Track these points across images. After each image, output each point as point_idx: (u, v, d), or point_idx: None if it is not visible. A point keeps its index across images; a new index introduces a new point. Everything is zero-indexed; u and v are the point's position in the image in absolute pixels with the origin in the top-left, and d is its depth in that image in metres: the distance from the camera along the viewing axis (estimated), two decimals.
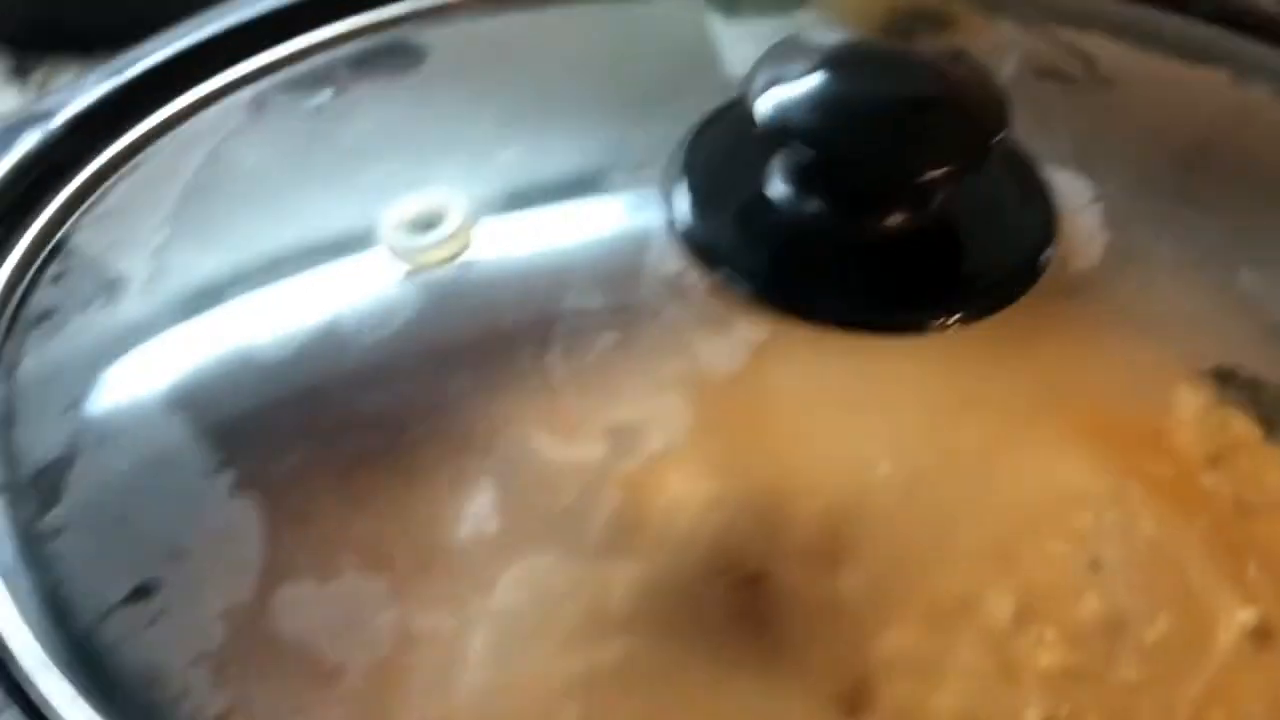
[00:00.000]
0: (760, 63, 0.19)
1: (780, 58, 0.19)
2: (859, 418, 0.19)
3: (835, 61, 0.18)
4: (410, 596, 0.17)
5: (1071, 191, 0.20)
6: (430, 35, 0.26)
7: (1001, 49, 0.25)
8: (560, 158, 0.22)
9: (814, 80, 0.18)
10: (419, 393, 0.18)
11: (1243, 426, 0.21)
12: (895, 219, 0.19)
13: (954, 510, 0.19)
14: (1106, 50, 0.26)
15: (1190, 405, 0.21)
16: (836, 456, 0.19)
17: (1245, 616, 0.20)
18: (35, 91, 0.54)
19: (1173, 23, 0.25)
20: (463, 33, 0.26)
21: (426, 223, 0.20)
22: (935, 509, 0.19)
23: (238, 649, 0.16)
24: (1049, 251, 0.20)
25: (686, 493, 0.18)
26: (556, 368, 0.18)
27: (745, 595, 0.18)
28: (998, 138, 0.18)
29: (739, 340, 0.18)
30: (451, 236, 0.20)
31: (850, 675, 0.18)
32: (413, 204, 0.20)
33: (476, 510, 0.17)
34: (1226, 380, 0.20)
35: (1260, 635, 0.19)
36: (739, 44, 0.25)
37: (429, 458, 0.18)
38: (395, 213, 0.20)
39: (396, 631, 0.16)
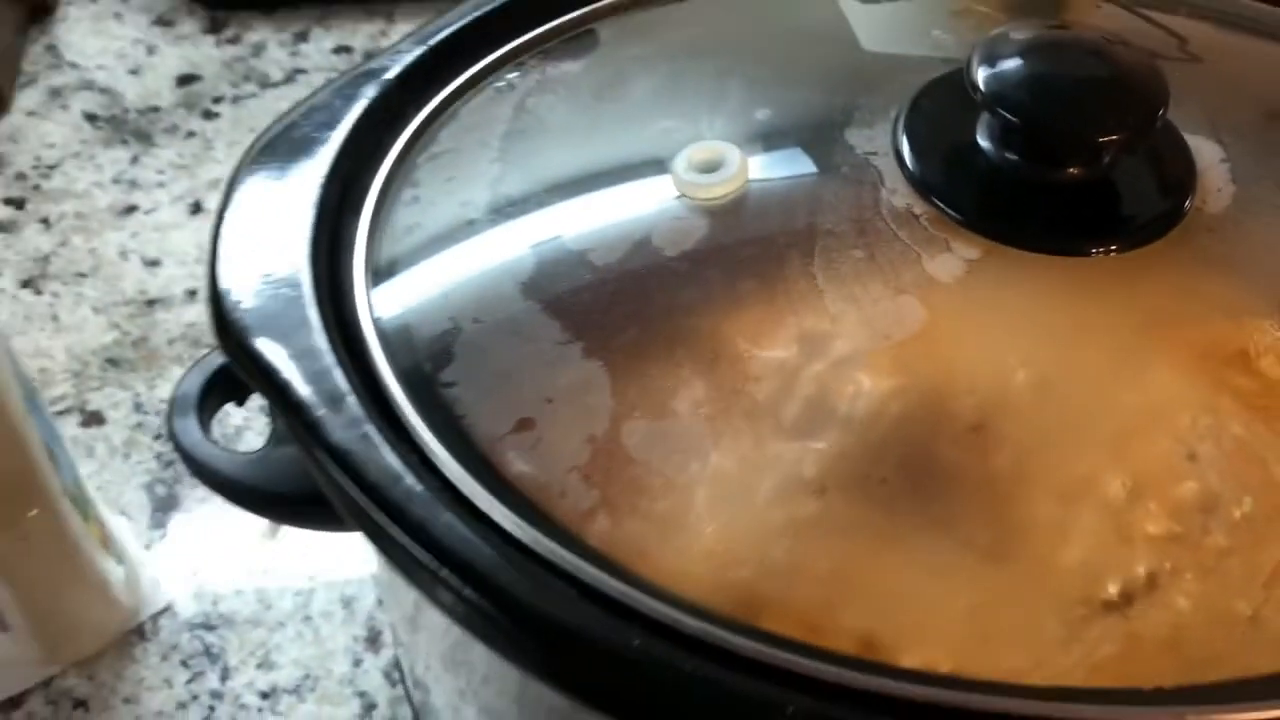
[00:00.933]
0: (978, 47, 0.24)
1: (993, 44, 0.24)
2: (1025, 328, 0.25)
3: (1035, 48, 0.24)
4: (717, 433, 0.23)
5: (1207, 154, 0.26)
6: (665, 15, 0.32)
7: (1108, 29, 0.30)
8: (802, 117, 0.28)
9: (1018, 62, 0.24)
10: (715, 291, 0.24)
11: None
12: (1075, 171, 0.25)
13: (1081, 409, 0.24)
14: (1193, 30, 0.31)
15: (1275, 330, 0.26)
16: (996, 359, 0.24)
17: None
18: (229, 44, 0.61)
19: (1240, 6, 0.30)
20: (691, 12, 0.32)
21: (711, 166, 0.26)
22: (1066, 407, 0.24)
23: (598, 463, 0.23)
24: (1189, 199, 0.25)
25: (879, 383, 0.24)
26: (819, 274, 0.24)
27: (914, 468, 0.23)
28: (1162, 110, 0.24)
29: (957, 256, 0.24)
30: (732, 177, 0.26)
31: (996, 533, 0.23)
32: (700, 151, 0.26)
33: (769, 367, 0.23)
34: None
35: None
36: (873, 24, 0.30)
37: (722, 338, 0.24)
38: (685, 157, 0.26)
39: (697, 460, 0.23)
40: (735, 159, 0.26)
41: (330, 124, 0.29)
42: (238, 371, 0.25)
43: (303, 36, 0.62)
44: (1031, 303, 0.25)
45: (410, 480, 0.22)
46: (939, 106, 0.26)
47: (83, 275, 0.51)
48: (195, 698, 0.38)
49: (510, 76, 0.30)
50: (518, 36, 0.31)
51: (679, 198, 0.26)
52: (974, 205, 0.24)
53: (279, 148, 0.28)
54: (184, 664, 0.39)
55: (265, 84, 0.59)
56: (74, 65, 0.60)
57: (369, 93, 0.29)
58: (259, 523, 0.42)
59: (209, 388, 0.30)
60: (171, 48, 0.61)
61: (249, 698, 0.38)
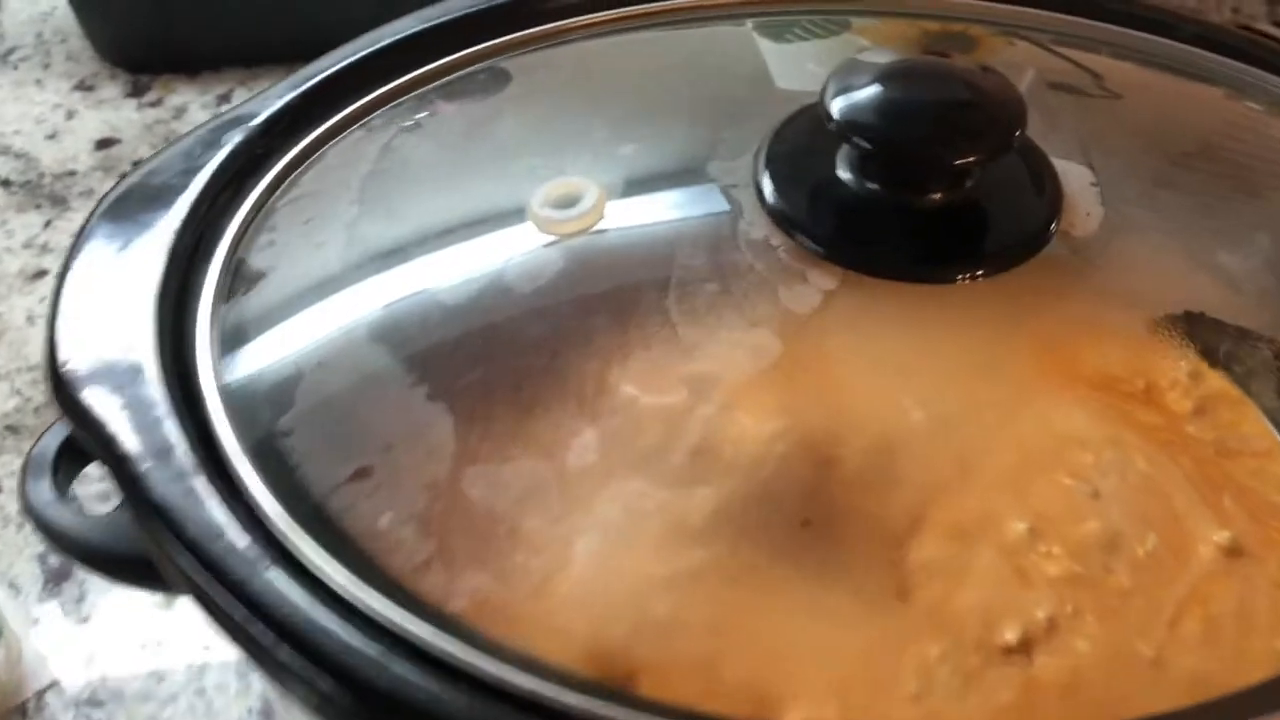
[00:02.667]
0: (832, 75, 0.24)
1: (847, 72, 0.24)
2: (894, 359, 0.24)
3: (889, 74, 0.23)
4: (565, 478, 0.22)
5: (1076, 177, 0.25)
6: (541, 57, 0.31)
7: (1018, 66, 0.30)
8: (667, 152, 0.27)
9: (872, 88, 0.23)
10: (565, 328, 0.23)
11: (1221, 383, 0.25)
12: (935, 196, 0.24)
13: (977, 447, 0.23)
14: (1108, 67, 0.31)
15: (1175, 361, 0.25)
16: (873, 392, 0.23)
17: (1220, 537, 0.24)
18: (150, 107, 0.60)
19: (1158, 45, 0.30)
20: (568, 55, 0.32)
21: (568, 201, 0.25)
22: (962, 446, 0.23)
23: (436, 512, 0.22)
24: (1055, 223, 0.24)
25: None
26: (672, 308, 0.23)
27: (803, 514, 0.22)
28: (1017, 132, 0.23)
29: (813, 287, 0.23)
30: (588, 212, 0.25)
31: (888, 578, 0.22)
32: (557, 187, 0.25)
33: (615, 409, 0.22)
34: (1198, 330, 0.25)
35: (1232, 553, 0.23)
36: (786, 63, 0.30)
37: (573, 375, 0.23)
38: (542, 193, 0.25)
39: (549, 506, 0.21)
40: (592, 194, 0.25)
41: (190, 171, 0.28)
42: (73, 428, 0.24)
43: (226, 98, 0.61)
44: (898, 331, 0.24)
45: (232, 536, 0.21)
46: (802, 137, 0.25)
47: None
48: None
49: (381, 118, 0.29)
50: (398, 78, 0.31)
51: (535, 235, 0.25)
52: (831, 235, 0.24)
53: (134, 197, 0.28)
54: None
55: None
56: None
57: (234, 138, 0.29)
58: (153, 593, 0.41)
59: (65, 449, 0.29)
60: (92, 111, 0.61)
61: None
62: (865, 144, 0.23)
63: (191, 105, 0.61)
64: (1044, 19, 0.31)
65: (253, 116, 0.29)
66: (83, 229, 0.27)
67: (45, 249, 0.53)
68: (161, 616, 0.40)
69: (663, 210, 0.25)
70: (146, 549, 0.24)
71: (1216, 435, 0.24)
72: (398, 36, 0.31)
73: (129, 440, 0.22)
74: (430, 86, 0.31)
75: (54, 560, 0.42)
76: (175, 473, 0.22)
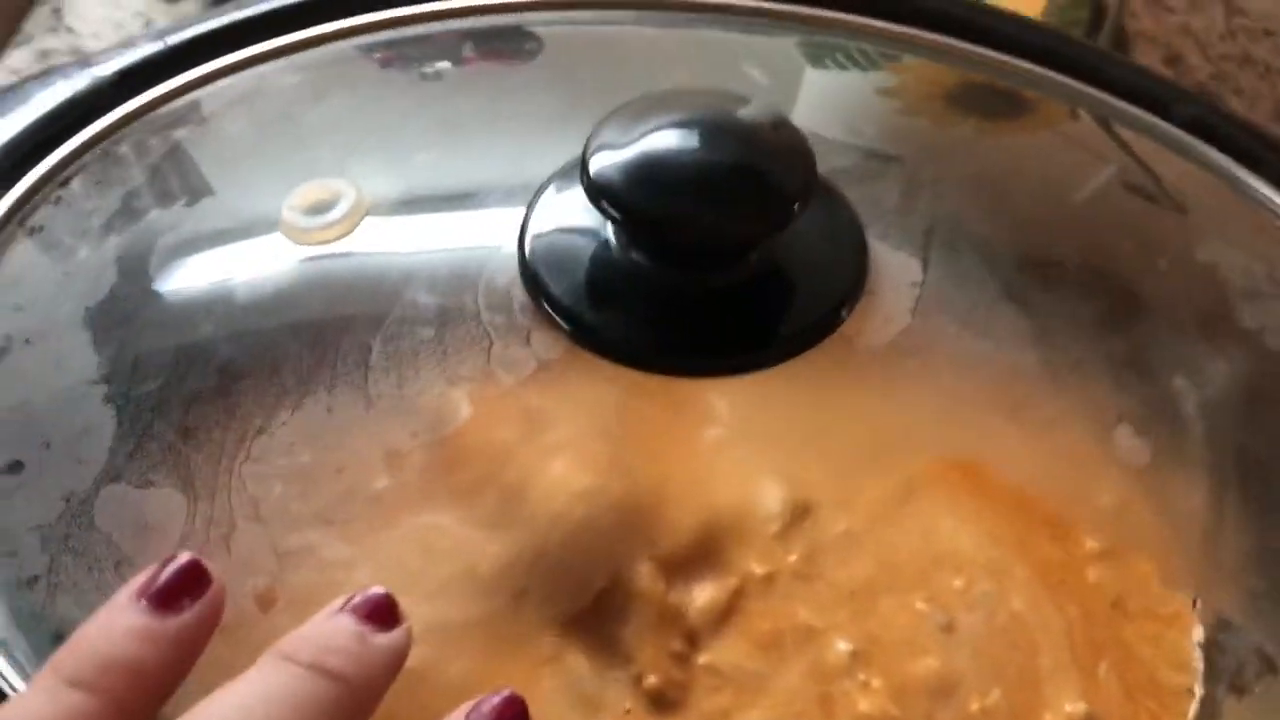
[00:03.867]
0: (599, 125, 0.20)
1: (618, 121, 0.20)
2: (596, 440, 0.20)
3: (660, 128, 0.20)
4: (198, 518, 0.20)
5: (898, 271, 0.21)
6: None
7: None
8: (463, 169, 0.24)
9: (638, 147, 0.20)
10: (263, 351, 0.21)
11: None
12: (705, 273, 0.21)
13: (832, 544, 0.20)
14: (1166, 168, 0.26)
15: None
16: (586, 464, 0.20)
17: (1074, 709, 0.21)
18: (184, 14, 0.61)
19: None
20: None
21: (321, 207, 0.23)
22: (814, 540, 0.20)
23: (63, 527, 0.20)
24: (849, 307, 0.21)
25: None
26: (375, 346, 0.21)
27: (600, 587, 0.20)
28: (798, 205, 0.19)
29: (531, 353, 0.20)
30: (340, 221, 0.23)
31: (673, 675, 0.20)
32: (313, 190, 0.23)
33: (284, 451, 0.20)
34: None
35: None
36: (818, 90, 0.27)
37: (252, 404, 0.21)
38: (297, 194, 0.23)
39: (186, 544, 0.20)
40: (348, 202, 0.23)
41: None
42: None
43: None
44: (607, 415, 0.21)
45: None
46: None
47: None
48: None
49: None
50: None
51: (280, 240, 0.23)
52: (571, 300, 0.21)
53: None
54: None
55: None
56: (70, 30, 0.61)
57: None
58: None
59: None
60: (168, 6, 0.62)
61: None
62: (614, 213, 0.20)
63: None
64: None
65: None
66: None
67: None
68: None
69: (422, 235, 0.23)
70: None
71: (1120, 589, 0.21)
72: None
73: None
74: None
75: None
76: None
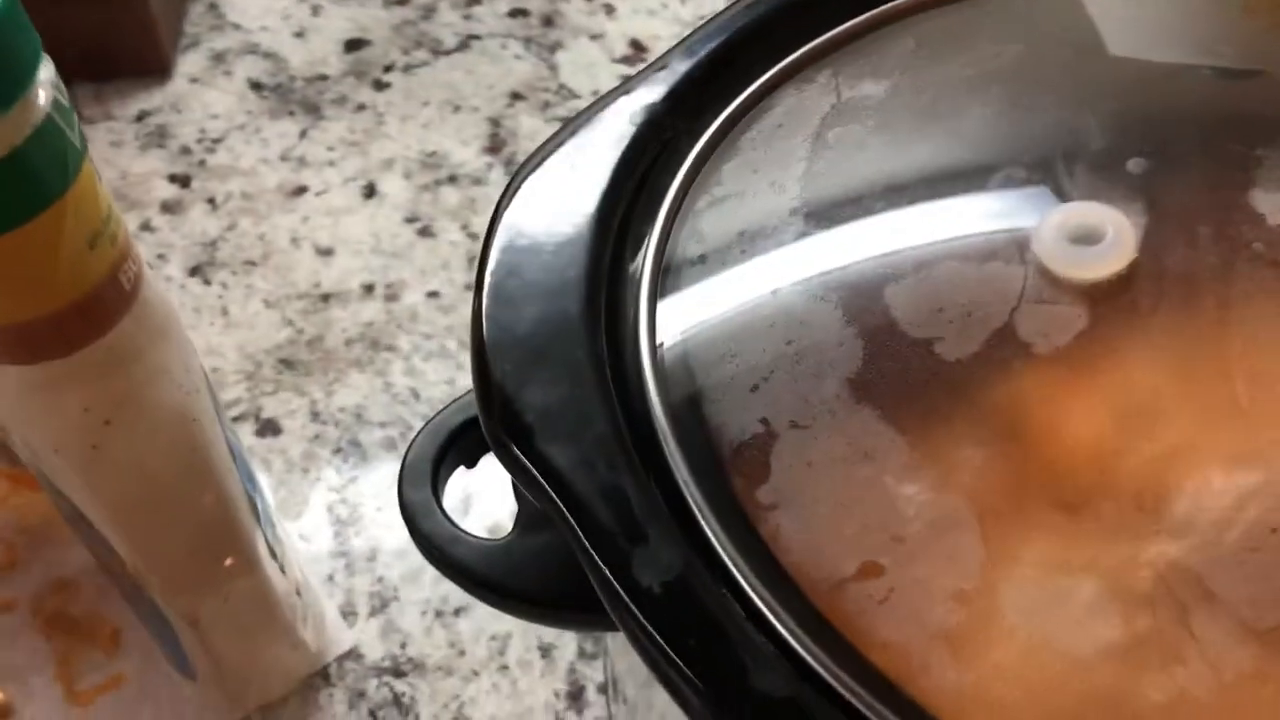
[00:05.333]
0: None
1: None
2: None
3: None
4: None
5: None
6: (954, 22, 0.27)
7: None
8: (1190, 174, 0.22)
9: None
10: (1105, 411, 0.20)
11: None
12: None
13: None
14: None
15: None
16: None
17: None
18: (397, 5, 0.57)
19: None
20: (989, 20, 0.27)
21: (1088, 236, 0.21)
22: None
23: (967, 628, 0.18)
24: None
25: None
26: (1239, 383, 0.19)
27: None
28: None
29: None
30: (1114, 253, 0.21)
31: None
32: (1074, 214, 0.21)
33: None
34: None
35: None
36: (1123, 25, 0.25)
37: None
38: (1056, 220, 0.21)
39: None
40: (1117, 228, 0.21)
41: (599, 160, 0.24)
42: (508, 467, 0.21)
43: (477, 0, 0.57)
44: None
45: (752, 657, 0.18)
46: None
47: (252, 263, 0.47)
48: None
49: (796, 94, 0.25)
50: (798, 45, 0.26)
51: (1042, 272, 0.21)
52: None
53: (546, 175, 0.24)
54: (372, 714, 0.36)
55: (437, 51, 0.55)
56: (236, 27, 0.57)
57: (638, 118, 0.25)
58: None
59: (442, 454, 0.26)
60: (338, 8, 0.57)
61: None
62: None
63: (441, 4, 0.57)
64: None
65: (653, 89, 0.25)
66: (496, 214, 0.24)
67: (303, 163, 0.51)
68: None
69: (1199, 253, 0.21)
70: (568, 591, 0.22)
71: None
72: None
73: (601, 514, 0.19)
74: (834, 57, 0.26)
75: (342, 509, 0.40)
76: (661, 565, 0.19)
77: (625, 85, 0.26)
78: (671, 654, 0.18)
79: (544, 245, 0.23)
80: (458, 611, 0.38)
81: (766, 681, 0.18)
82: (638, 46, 0.55)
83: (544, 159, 0.25)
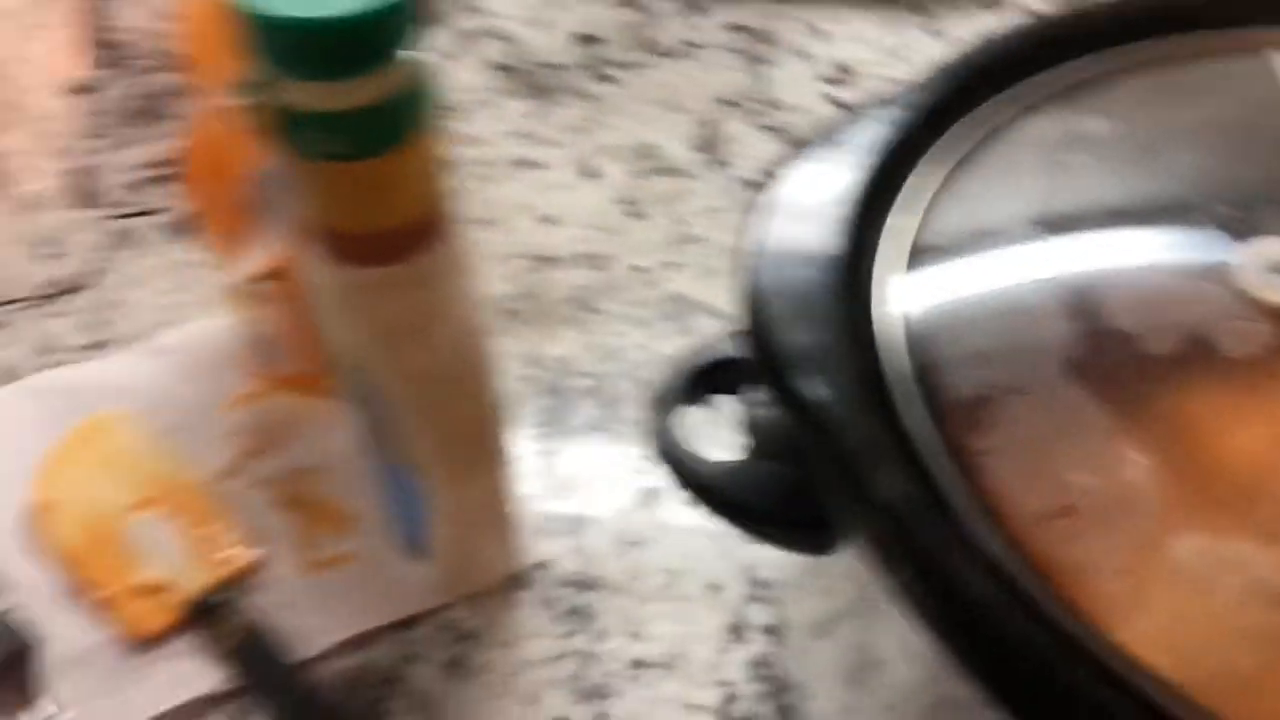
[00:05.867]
0: None
1: None
2: None
3: None
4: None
5: None
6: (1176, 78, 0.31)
7: None
8: None
9: None
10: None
11: None
12: None
13: None
14: None
15: None
16: None
17: None
18: (625, 6, 0.62)
19: None
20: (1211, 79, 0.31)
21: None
22: None
23: (1139, 569, 0.22)
24: None
25: None
26: None
27: None
28: None
29: None
30: None
31: None
32: (1275, 246, 0.25)
33: None
34: None
35: None
36: None
37: None
38: (1257, 250, 0.25)
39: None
40: None
41: (860, 157, 0.29)
42: (774, 393, 0.26)
43: (697, 6, 0.63)
44: None
45: (960, 560, 0.22)
46: None
47: (481, 223, 0.53)
48: (567, 654, 0.40)
49: (1032, 122, 0.30)
50: (1033, 82, 0.31)
51: (1240, 293, 0.25)
52: None
53: (814, 163, 0.29)
54: (559, 619, 0.41)
55: (659, 53, 0.60)
56: (481, 11, 0.63)
57: (896, 126, 0.30)
58: (636, 489, 0.44)
59: (686, 391, 0.31)
60: (575, 3, 0.63)
61: (616, 665, 0.40)
62: None
63: (667, 10, 0.62)
64: None
65: (908, 106, 0.30)
66: (773, 177, 0.29)
67: (532, 139, 0.57)
68: (642, 516, 0.43)
69: None
70: (792, 511, 0.27)
71: None
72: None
73: (887, 484, 0.24)
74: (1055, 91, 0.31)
75: (543, 445, 0.46)
76: (937, 538, 0.23)
77: (888, 99, 0.31)
78: (898, 557, 0.23)
79: (811, 219, 0.28)
80: (636, 544, 0.43)
81: (970, 584, 0.22)
82: (844, 70, 0.59)
83: (813, 150, 0.29)
